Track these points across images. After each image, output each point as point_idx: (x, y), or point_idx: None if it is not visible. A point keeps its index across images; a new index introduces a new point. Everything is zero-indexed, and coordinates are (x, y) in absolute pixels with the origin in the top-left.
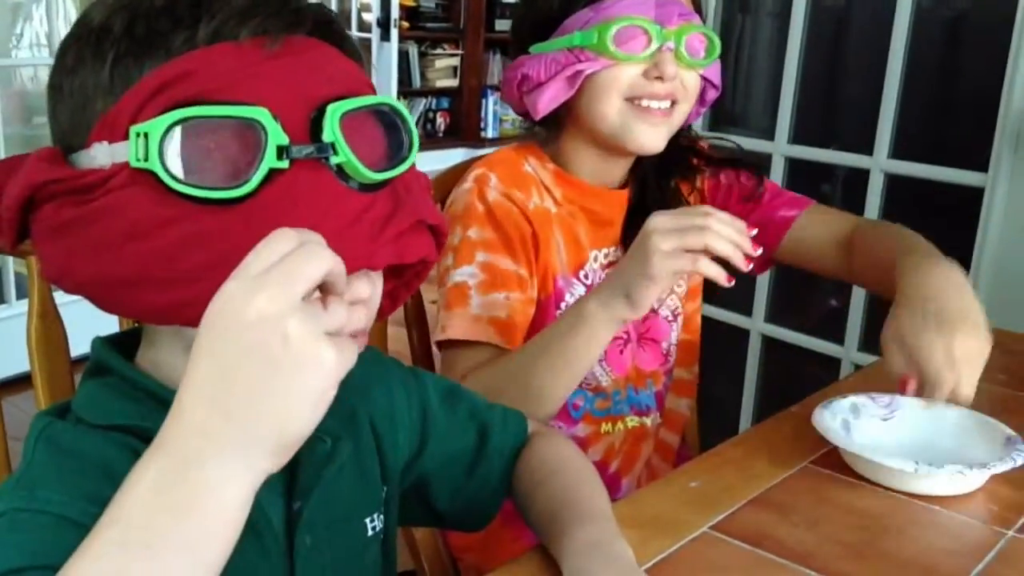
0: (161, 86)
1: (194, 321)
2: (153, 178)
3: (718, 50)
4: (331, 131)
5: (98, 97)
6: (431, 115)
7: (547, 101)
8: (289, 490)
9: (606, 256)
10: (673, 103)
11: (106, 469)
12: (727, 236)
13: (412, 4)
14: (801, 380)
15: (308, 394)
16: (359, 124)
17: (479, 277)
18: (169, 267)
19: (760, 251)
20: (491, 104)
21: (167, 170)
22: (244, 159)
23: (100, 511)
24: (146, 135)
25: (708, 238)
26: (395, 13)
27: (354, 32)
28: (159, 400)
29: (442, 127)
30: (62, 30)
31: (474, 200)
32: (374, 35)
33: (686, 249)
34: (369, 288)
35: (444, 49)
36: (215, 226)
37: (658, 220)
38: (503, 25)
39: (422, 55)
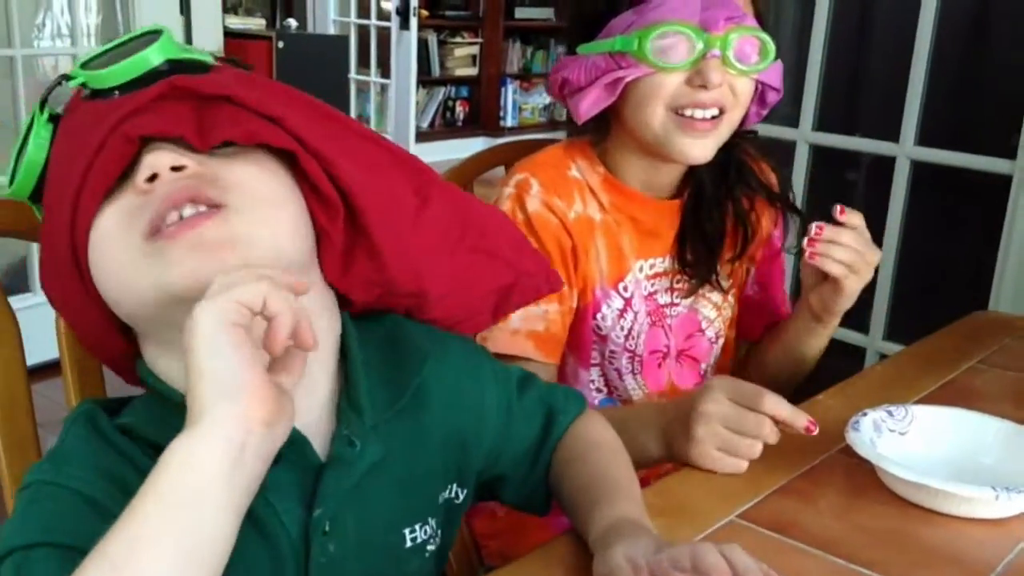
0: None
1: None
2: None
3: (772, 53)
4: (74, 71)
5: None
6: (450, 104)
7: (588, 106)
8: (311, 498)
9: (652, 267)
10: (721, 111)
11: (133, 462)
12: (774, 438)
13: None
14: (826, 369)
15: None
16: (106, 60)
17: None
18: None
19: (816, 432)
20: (510, 93)
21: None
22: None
23: (121, 494)
24: None
25: (757, 452)
26: (414, 2)
27: (373, 20)
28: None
29: (461, 116)
30: (83, 21)
31: (515, 208)
32: (394, 24)
33: (732, 454)
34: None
35: (463, 37)
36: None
37: (713, 409)
38: (523, 13)
39: (441, 44)
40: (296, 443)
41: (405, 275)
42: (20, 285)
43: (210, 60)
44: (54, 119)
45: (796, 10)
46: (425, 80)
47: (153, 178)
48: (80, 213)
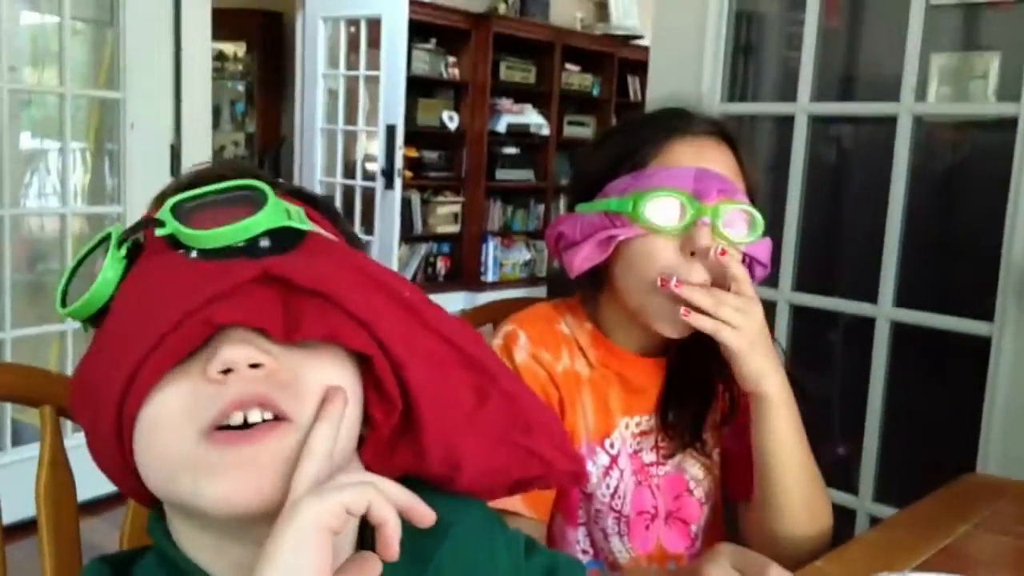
0: None
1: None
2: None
3: (761, 228)
4: (163, 214)
5: None
6: (432, 260)
7: (580, 261)
8: None
9: (638, 424)
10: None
11: None
12: None
13: (415, 155)
14: None
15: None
16: (198, 207)
17: None
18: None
19: None
20: (491, 249)
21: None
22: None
23: None
24: None
25: None
26: (399, 164)
27: (358, 181)
28: None
29: (443, 271)
30: (71, 181)
31: (502, 359)
32: (378, 184)
33: None
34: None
35: (446, 197)
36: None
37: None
38: (503, 175)
39: (424, 202)
40: None
41: (443, 465)
42: None
43: (306, 227)
44: (129, 250)
45: (771, 173)
46: (408, 237)
47: (226, 371)
48: (137, 384)
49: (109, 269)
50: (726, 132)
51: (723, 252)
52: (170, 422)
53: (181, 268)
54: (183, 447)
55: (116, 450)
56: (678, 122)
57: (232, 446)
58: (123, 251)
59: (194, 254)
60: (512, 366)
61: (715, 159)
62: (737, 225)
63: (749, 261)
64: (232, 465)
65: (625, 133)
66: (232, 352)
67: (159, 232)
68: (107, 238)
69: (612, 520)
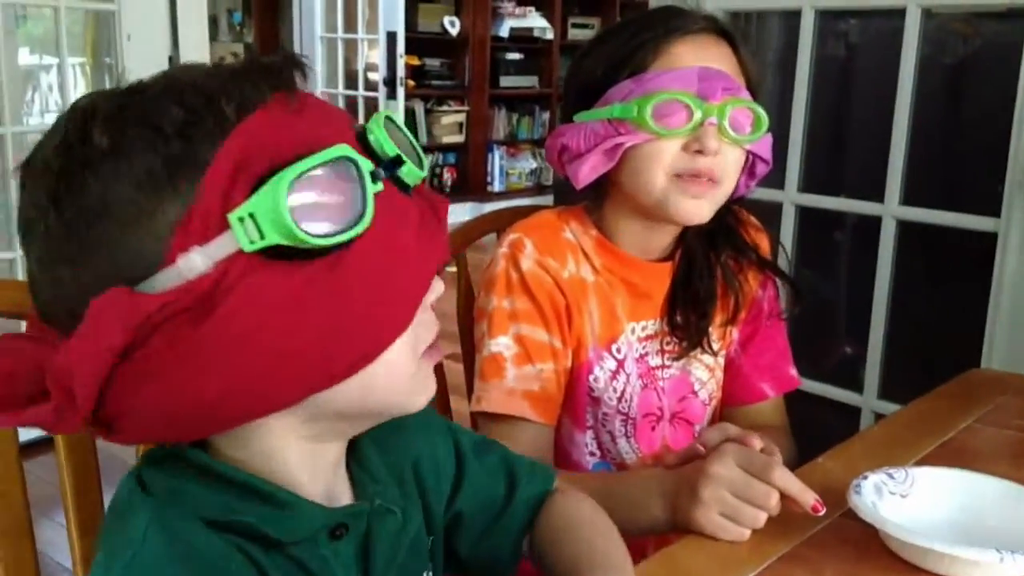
0: (235, 169)
1: (321, 384)
2: (275, 252)
3: (766, 125)
4: (389, 147)
5: (158, 209)
6: (438, 170)
7: (587, 172)
8: (365, 567)
9: (644, 329)
10: (714, 180)
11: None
12: (776, 511)
13: (417, 63)
14: (822, 429)
15: None
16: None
17: (513, 349)
18: (313, 338)
19: (824, 512)
20: (497, 158)
21: (303, 230)
22: (347, 197)
23: None
24: (251, 215)
25: (761, 522)
26: (401, 72)
27: (360, 91)
28: (258, 494)
29: (449, 182)
30: (72, 97)
31: (508, 267)
32: (380, 94)
33: (736, 521)
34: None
35: (450, 106)
36: (338, 276)
37: (722, 473)
38: (507, 81)
39: (428, 112)
40: (360, 515)
41: None
42: None
43: None
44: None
45: (777, 73)
46: None
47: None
48: (397, 329)
49: (370, 207)
50: (724, 28)
51: (815, 509)
52: (402, 349)
53: (425, 215)
54: (408, 368)
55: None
56: (676, 21)
57: (434, 360)
58: (379, 184)
59: (407, 192)
60: (518, 274)
61: (716, 56)
62: (742, 123)
63: (752, 159)
64: (432, 376)
65: (621, 36)
66: (440, 284)
67: (402, 171)
68: (338, 160)
69: (619, 422)
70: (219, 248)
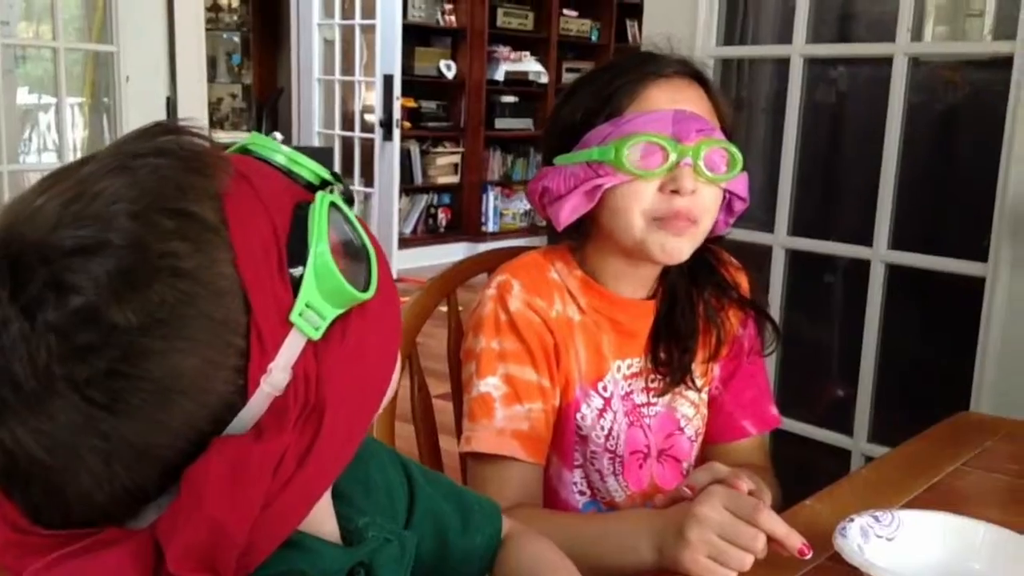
0: (265, 273)
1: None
2: (334, 325)
3: (740, 164)
4: (318, 170)
5: (226, 346)
6: (432, 211)
7: (568, 213)
8: None
9: (629, 367)
10: (692, 221)
11: None
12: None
13: (414, 105)
14: (812, 471)
15: None
16: None
17: (502, 389)
18: (373, 379)
19: (810, 556)
20: (492, 199)
21: (356, 291)
22: (350, 238)
23: None
24: (307, 305)
25: (747, 564)
26: (397, 114)
27: (357, 132)
28: (299, 547)
29: (444, 222)
30: (69, 137)
31: (496, 308)
32: (377, 135)
33: (722, 564)
34: None
35: (445, 147)
36: (368, 313)
37: (709, 515)
38: (503, 124)
39: (424, 153)
40: (372, 552)
41: None
42: None
43: None
44: None
45: (767, 118)
46: (408, 188)
47: None
48: None
49: (364, 236)
50: (697, 71)
51: (801, 552)
52: None
53: None
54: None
55: None
56: (650, 66)
57: None
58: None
59: None
60: (507, 316)
61: (690, 99)
62: (717, 163)
63: (729, 197)
64: None
65: (597, 82)
66: None
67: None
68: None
69: (607, 460)
70: (291, 352)
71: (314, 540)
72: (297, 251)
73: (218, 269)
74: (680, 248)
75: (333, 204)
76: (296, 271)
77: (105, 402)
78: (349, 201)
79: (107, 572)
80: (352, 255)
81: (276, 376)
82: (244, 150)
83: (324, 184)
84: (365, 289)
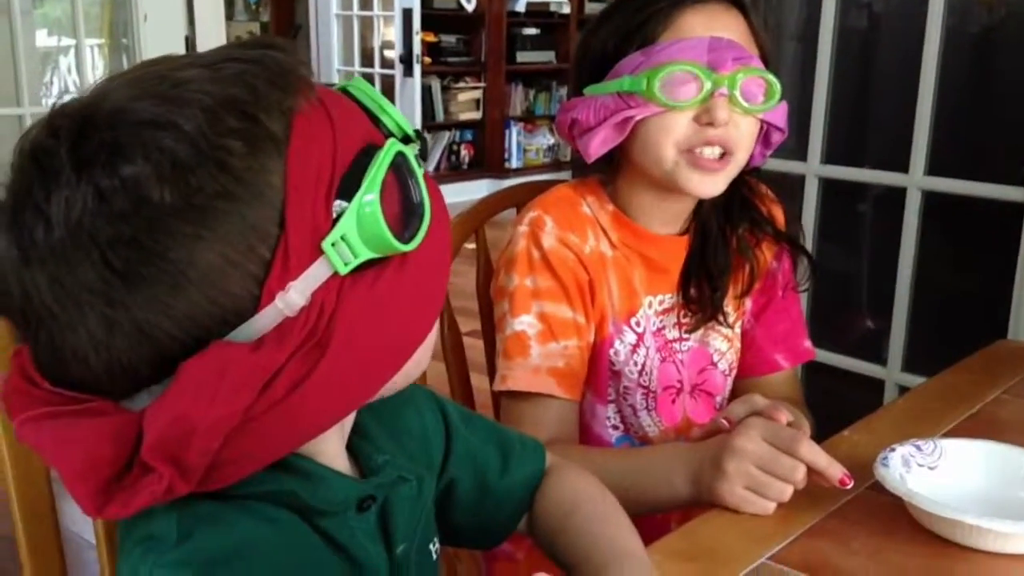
0: (311, 193)
1: (395, 371)
2: (367, 268)
3: (778, 93)
4: (407, 126)
5: (248, 259)
6: (455, 147)
7: (597, 146)
8: (386, 537)
9: (661, 303)
10: (727, 152)
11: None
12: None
13: (434, 40)
14: (846, 402)
15: None
16: None
17: (537, 327)
18: (397, 333)
19: (851, 486)
20: (514, 135)
21: (397, 239)
22: (409, 191)
23: None
24: (343, 238)
25: (787, 495)
26: (417, 49)
27: (376, 69)
28: (294, 468)
29: (466, 159)
30: (89, 79)
31: (529, 246)
32: (397, 71)
33: (761, 495)
34: None
35: (466, 82)
36: (408, 268)
37: (747, 446)
38: (524, 57)
39: (444, 89)
40: (383, 486)
41: None
42: None
43: None
44: None
45: (800, 45)
46: (430, 125)
47: None
48: None
49: (426, 194)
50: None
51: (842, 482)
52: None
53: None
54: (433, 339)
55: None
56: None
57: None
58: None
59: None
60: (540, 253)
61: (726, 26)
62: (754, 93)
63: (766, 129)
64: None
65: (630, 8)
66: None
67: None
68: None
69: (640, 395)
70: (314, 278)
71: (321, 467)
72: (349, 186)
73: (265, 177)
74: (712, 186)
75: (401, 154)
76: (340, 204)
77: (121, 268)
78: (422, 158)
79: (84, 438)
80: (405, 206)
81: (292, 296)
82: (343, 89)
83: (406, 140)
84: (407, 242)
